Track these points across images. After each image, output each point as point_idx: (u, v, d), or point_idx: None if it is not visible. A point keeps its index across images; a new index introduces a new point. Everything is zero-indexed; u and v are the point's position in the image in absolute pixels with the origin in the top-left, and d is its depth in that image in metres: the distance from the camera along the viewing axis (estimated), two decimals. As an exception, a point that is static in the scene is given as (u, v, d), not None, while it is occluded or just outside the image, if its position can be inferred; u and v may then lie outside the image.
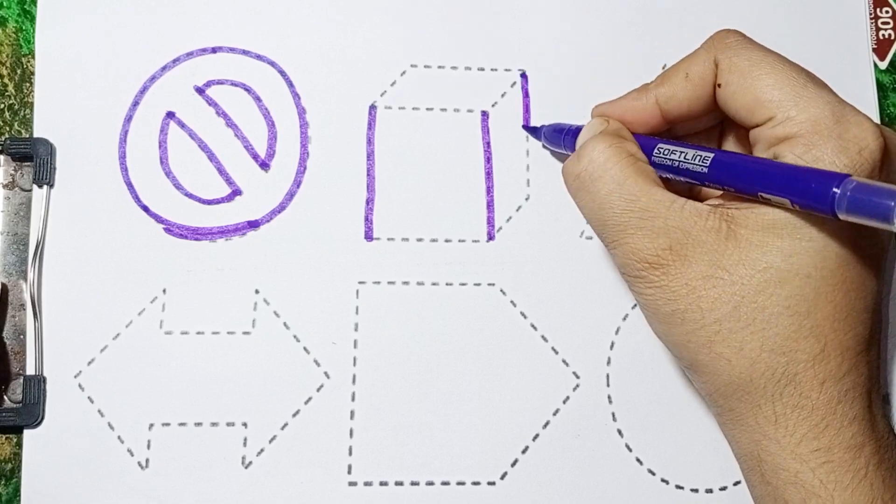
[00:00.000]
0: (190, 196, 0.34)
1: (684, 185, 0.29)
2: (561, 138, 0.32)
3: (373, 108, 0.35)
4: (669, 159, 0.27)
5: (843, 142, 0.24)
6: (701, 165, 0.26)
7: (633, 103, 0.29)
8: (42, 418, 0.31)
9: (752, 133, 0.26)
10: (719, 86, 0.27)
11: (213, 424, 0.32)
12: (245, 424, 0.32)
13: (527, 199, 0.34)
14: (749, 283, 0.24)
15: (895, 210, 0.20)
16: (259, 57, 0.35)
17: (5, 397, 0.32)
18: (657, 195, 0.26)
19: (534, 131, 0.34)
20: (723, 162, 0.26)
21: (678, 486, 0.32)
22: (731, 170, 0.25)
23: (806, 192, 0.22)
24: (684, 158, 0.27)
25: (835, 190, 0.21)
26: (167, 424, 0.32)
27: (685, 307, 0.25)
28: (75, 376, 0.32)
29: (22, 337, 0.32)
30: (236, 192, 0.34)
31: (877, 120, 0.36)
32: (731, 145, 0.30)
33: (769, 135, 0.25)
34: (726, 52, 0.27)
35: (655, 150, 0.28)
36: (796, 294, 0.24)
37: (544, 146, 0.34)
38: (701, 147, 0.27)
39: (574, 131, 0.31)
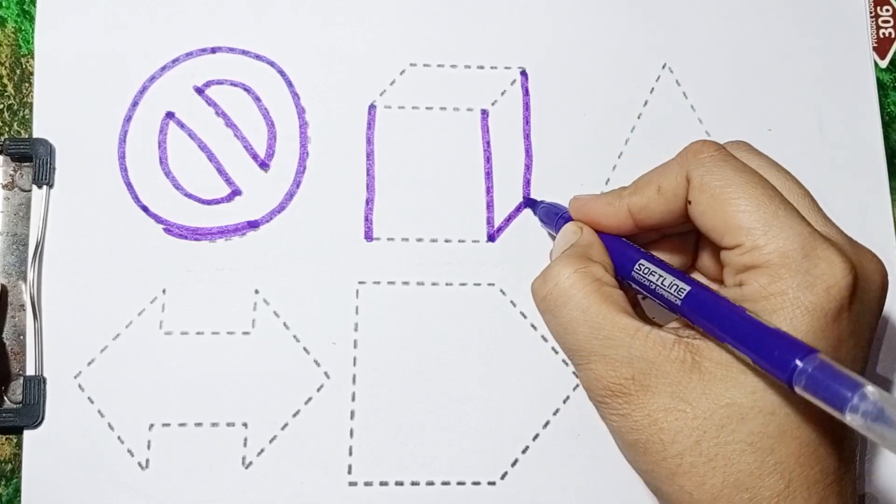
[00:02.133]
0: (190, 196, 0.34)
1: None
2: (554, 222, 0.31)
3: (372, 107, 0.35)
4: (648, 279, 0.27)
5: (810, 278, 0.23)
6: (675, 297, 0.25)
7: (606, 208, 0.29)
8: (42, 419, 0.31)
9: (721, 254, 0.26)
10: (690, 203, 0.26)
11: (214, 425, 0.32)
12: (245, 424, 0.32)
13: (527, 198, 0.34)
14: (711, 418, 0.24)
15: (849, 403, 0.19)
16: (258, 57, 0.35)
17: (5, 398, 0.32)
18: (621, 323, 0.25)
19: (532, 204, 0.34)
20: (697, 299, 0.25)
21: (678, 486, 0.32)
22: (702, 310, 0.25)
23: (768, 357, 0.22)
24: (661, 283, 0.26)
25: (797, 363, 0.21)
26: (167, 425, 0.32)
27: (647, 438, 0.25)
28: (75, 377, 0.32)
29: (22, 337, 0.32)
30: (236, 193, 0.34)
31: (877, 118, 0.36)
32: (706, 255, 0.29)
33: (737, 261, 0.24)
34: (698, 168, 0.26)
35: (637, 266, 0.27)
36: (759, 431, 0.23)
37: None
38: (680, 275, 0.26)
39: (567, 218, 0.30)
